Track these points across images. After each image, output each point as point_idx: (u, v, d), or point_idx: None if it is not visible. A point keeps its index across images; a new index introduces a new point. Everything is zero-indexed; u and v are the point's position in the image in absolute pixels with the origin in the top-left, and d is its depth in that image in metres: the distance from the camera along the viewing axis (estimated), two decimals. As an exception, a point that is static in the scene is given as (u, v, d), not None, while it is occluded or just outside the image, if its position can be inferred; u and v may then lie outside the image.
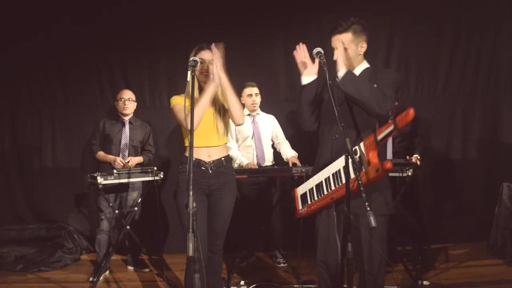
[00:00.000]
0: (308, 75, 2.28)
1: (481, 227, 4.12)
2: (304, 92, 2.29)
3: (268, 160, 3.90)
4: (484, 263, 3.67)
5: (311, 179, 2.35)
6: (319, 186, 2.26)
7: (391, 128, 1.92)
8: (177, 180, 2.46)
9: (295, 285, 3.33)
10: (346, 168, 1.98)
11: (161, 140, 4.41)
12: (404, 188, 3.26)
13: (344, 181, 2.03)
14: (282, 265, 3.88)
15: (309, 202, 2.32)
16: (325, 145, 2.30)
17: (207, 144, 2.43)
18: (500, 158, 4.26)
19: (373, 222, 1.77)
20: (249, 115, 3.91)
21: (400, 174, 3.22)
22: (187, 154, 2.42)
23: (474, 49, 4.28)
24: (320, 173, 2.27)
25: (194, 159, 2.27)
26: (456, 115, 4.33)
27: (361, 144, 2.04)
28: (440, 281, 3.25)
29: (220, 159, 2.46)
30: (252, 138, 3.87)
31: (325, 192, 2.21)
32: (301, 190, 2.42)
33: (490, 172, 4.26)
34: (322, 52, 2.17)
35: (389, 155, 3.74)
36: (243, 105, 3.91)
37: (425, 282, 3.14)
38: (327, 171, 2.22)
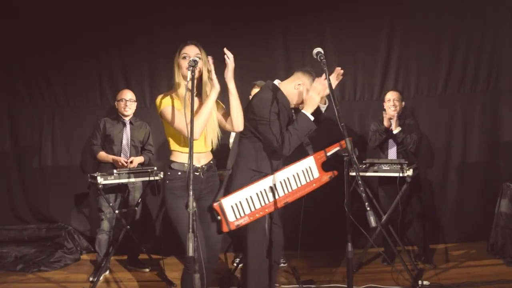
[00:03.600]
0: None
1: (481, 227, 4.12)
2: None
3: None
4: (484, 263, 3.67)
5: (255, 185, 2.47)
6: (269, 190, 2.48)
7: (338, 147, 2.60)
8: (165, 186, 2.33)
9: (295, 285, 3.32)
10: (346, 167, 1.99)
11: (161, 140, 4.40)
12: (404, 188, 3.25)
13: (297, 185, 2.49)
14: (282, 265, 3.88)
15: (252, 210, 2.44)
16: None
17: (196, 151, 2.31)
18: (500, 158, 4.25)
19: (373, 222, 1.76)
20: None
21: (401, 174, 3.22)
22: (173, 159, 2.37)
23: (474, 49, 4.27)
24: (270, 177, 2.48)
25: (186, 164, 2.24)
26: (456, 115, 4.32)
27: (312, 158, 2.57)
28: (440, 281, 3.25)
29: (209, 162, 2.41)
30: None
31: (277, 197, 2.47)
32: (232, 200, 2.44)
33: (490, 172, 4.25)
34: (322, 52, 2.18)
35: (393, 155, 3.71)
36: None
37: (425, 282, 3.14)
38: (284, 175, 2.48)
